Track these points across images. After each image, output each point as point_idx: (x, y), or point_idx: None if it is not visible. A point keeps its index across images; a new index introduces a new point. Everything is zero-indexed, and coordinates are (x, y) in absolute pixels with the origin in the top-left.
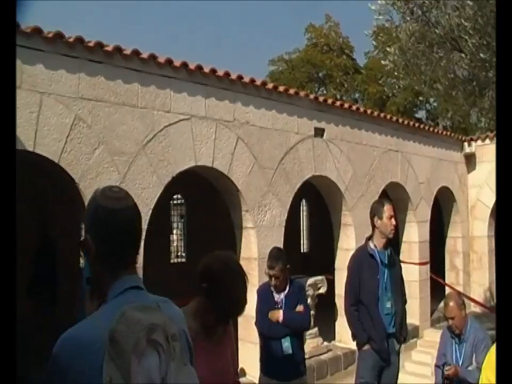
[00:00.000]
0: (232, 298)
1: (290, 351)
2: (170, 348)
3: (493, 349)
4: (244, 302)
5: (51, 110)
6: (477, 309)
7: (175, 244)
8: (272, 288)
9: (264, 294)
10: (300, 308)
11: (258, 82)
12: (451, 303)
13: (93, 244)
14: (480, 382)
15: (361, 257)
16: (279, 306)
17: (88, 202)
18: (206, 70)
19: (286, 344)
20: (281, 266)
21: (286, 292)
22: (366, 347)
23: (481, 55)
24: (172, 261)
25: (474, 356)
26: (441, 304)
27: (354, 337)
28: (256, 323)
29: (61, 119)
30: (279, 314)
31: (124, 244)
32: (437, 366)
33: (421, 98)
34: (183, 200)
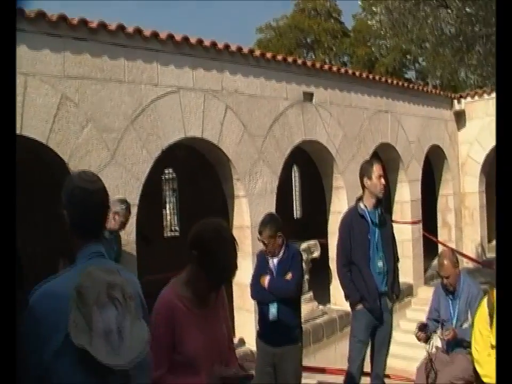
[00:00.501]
0: (222, 265)
1: (276, 318)
2: (126, 305)
3: (484, 302)
4: (234, 268)
5: (37, 91)
6: (470, 264)
7: (168, 218)
8: (266, 253)
9: (260, 259)
10: (288, 275)
11: (245, 50)
12: (445, 262)
13: (68, 217)
14: (473, 335)
15: (352, 218)
16: (270, 272)
17: (65, 184)
18: (193, 41)
19: (273, 310)
20: (268, 232)
21: (279, 257)
22: (359, 307)
23: (467, 9)
24: (165, 235)
25: (469, 312)
26: (435, 262)
27: (347, 297)
28: (250, 287)
29: (47, 99)
30: (265, 280)
31: (94, 219)
32: (428, 319)
33: (408, 56)
34: (174, 175)
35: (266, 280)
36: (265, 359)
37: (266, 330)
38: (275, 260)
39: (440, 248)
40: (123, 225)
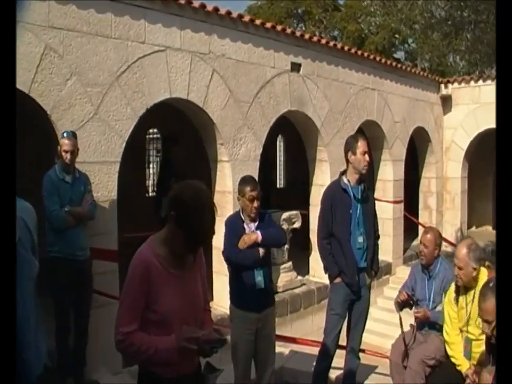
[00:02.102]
0: (199, 227)
1: (263, 285)
2: None
3: (452, 285)
4: (210, 231)
5: (19, 39)
6: (449, 249)
7: (151, 178)
8: (244, 217)
9: (234, 224)
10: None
11: (234, 15)
12: (429, 236)
13: None
14: (444, 317)
15: (334, 192)
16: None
17: None
18: (182, 1)
19: (259, 278)
20: (257, 191)
21: (257, 222)
22: (337, 280)
23: None
24: (147, 194)
25: (443, 295)
26: (414, 242)
27: (326, 270)
28: (223, 252)
29: (30, 48)
30: (256, 235)
31: None
32: (400, 292)
33: (397, 35)
34: (159, 135)
35: (257, 234)
36: (248, 326)
37: (249, 297)
38: (252, 225)
39: (421, 229)
40: (73, 154)
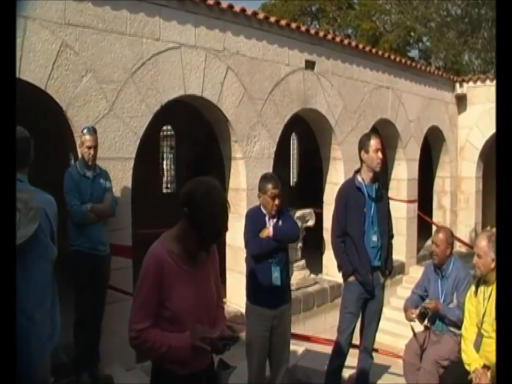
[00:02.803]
0: (211, 224)
1: (279, 282)
2: (27, 213)
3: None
4: (223, 228)
5: (36, 36)
6: (463, 249)
7: (166, 175)
8: (265, 212)
9: (256, 216)
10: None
11: (249, 12)
12: (441, 235)
13: None
14: (463, 317)
15: (348, 190)
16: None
17: None
18: None
19: (276, 274)
20: (278, 189)
21: (275, 219)
22: (351, 278)
23: None
24: (164, 191)
25: (455, 294)
26: (428, 242)
27: (339, 268)
28: (246, 244)
29: (47, 45)
30: (268, 230)
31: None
32: (413, 292)
33: (412, 34)
34: (172, 132)
35: (269, 229)
36: (264, 323)
37: (265, 294)
38: (272, 221)
39: (434, 229)
40: (95, 149)
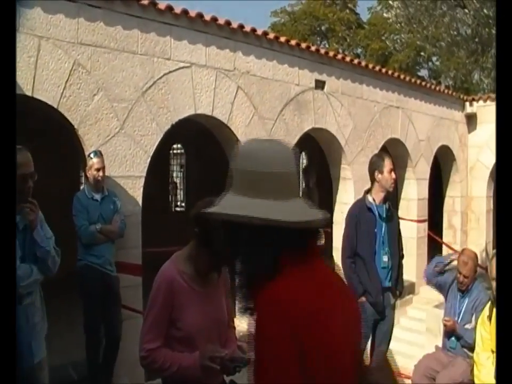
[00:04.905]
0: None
1: None
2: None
3: (488, 305)
4: None
5: (50, 55)
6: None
7: (178, 193)
8: None
9: None
10: None
11: (259, 32)
12: (470, 263)
13: None
14: (476, 337)
15: (359, 210)
16: None
17: None
18: (207, 18)
19: None
20: None
21: None
22: (362, 299)
23: (485, 11)
24: (173, 209)
25: (473, 316)
26: None
27: None
28: None
29: (60, 64)
30: None
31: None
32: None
33: (423, 53)
34: (183, 150)
35: None
36: None
37: None
38: None
39: (445, 249)
40: (103, 171)
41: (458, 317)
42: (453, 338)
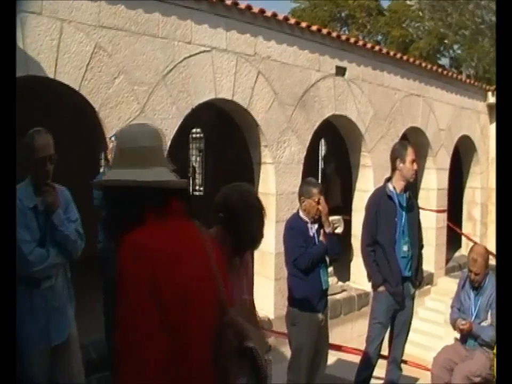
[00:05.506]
0: (248, 231)
1: (328, 285)
2: None
3: None
4: (260, 236)
5: (71, 38)
6: (493, 262)
7: (197, 178)
8: (306, 218)
9: (299, 226)
10: (322, 235)
11: (280, 17)
12: (479, 259)
13: None
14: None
15: (379, 198)
16: (310, 239)
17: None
18: (228, 2)
19: (325, 278)
20: (321, 193)
21: (316, 225)
22: (381, 289)
23: None
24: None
25: (489, 312)
26: (457, 253)
27: (369, 277)
28: (294, 259)
29: (81, 47)
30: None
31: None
32: (452, 306)
33: (446, 41)
34: (201, 135)
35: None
36: (314, 327)
37: (317, 298)
38: (314, 227)
39: (464, 240)
40: None
41: (474, 316)
42: (469, 340)
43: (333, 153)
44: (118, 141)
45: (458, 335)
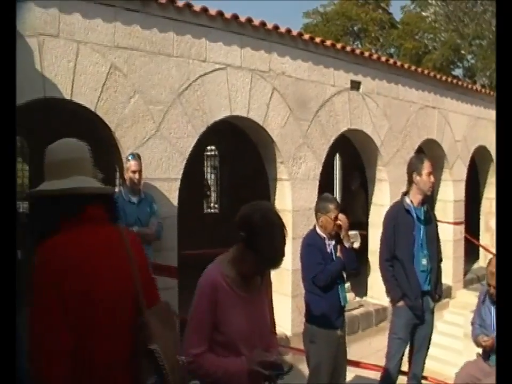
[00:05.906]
0: (270, 250)
1: (346, 301)
2: None
3: None
4: (282, 254)
5: (87, 59)
6: None
7: (211, 195)
8: (323, 234)
9: (316, 243)
10: (339, 251)
11: (294, 33)
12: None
13: None
14: None
15: (397, 213)
16: (328, 255)
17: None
18: (242, 19)
19: (343, 294)
20: (338, 210)
21: (333, 241)
22: (400, 303)
23: None
24: (207, 210)
25: None
26: (475, 265)
27: (388, 292)
28: (313, 277)
29: (97, 67)
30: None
31: None
32: (473, 323)
33: (462, 52)
34: (216, 152)
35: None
36: (333, 344)
37: (335, 314)
38: (331, 243)
39: (482, 252)
40: (139, 174)
41: (495, 331)
42: (493, 355)
43: (357, 168)
44: (45, 156)
45: (480, 351)
